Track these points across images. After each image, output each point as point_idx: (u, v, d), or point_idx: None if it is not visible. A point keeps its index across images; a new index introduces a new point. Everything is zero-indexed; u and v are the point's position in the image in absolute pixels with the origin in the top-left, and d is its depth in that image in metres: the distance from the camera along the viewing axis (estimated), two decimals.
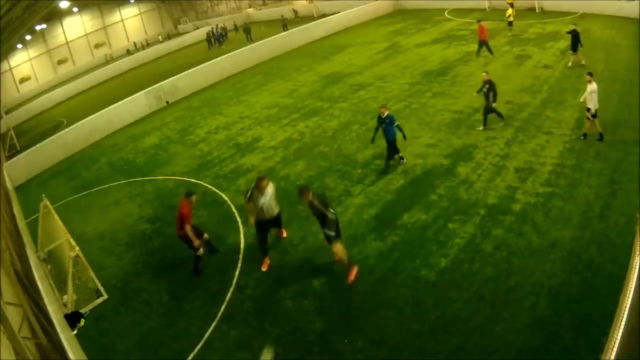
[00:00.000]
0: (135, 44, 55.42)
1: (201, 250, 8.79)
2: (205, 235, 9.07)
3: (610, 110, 11.85)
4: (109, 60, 52.57)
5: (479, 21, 18.92)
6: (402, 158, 11.37)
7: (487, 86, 11.96)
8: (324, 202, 7.56)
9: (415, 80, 17.59)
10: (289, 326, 7.20)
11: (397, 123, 10.68)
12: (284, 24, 35.77)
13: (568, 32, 15.56)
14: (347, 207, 10.07)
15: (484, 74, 12.19)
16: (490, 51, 18.57)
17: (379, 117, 10.75)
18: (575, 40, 15.17)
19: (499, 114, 12.35)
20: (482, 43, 18.58)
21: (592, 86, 10.22)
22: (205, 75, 24.97)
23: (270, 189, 8.14)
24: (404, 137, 10.94)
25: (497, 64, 17.37)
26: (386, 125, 10.63)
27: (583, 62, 15.31)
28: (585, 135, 10.73)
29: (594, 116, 10.35)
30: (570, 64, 15.61)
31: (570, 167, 9.76)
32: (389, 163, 11.28)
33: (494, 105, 12.07)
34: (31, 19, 30.32)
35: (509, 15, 21.27)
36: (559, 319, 6.20)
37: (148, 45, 52.79)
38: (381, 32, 28.07)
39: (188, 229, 8.46)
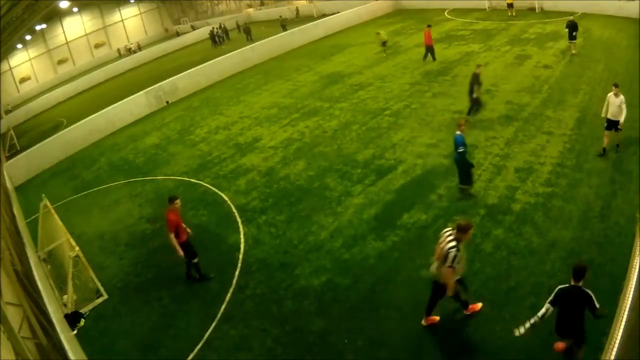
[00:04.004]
0: (119, 50, 54.12)
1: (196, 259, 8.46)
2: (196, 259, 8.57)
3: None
4: (122, 54, 52.22)
5: (428, 26, 19.35)
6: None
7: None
8: None
9: (415, 80, 17.59)
10: (289, 326, 7.20)
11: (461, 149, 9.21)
12: (283, 24, 35.75)
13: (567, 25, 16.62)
14: (347, 207, 10.07)
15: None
16: (434, 57, 19.18)
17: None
18: (572, 30, 16.23)
19: None
20: (428, 48, 19.15)
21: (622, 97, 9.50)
22: (205, 75, 24.96)
23: None
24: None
25: (497, 64, 17.37)
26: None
27: (573, 51, 16.59)
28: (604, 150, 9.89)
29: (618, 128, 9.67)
30: (574, 51, 16.53)
31: (570, 167, 9.75)
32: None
33: None
34: (31, 19, 30.27)
35: (381, 36, 22.56)
36: None
37: (132, 52, 51.20)
38: (381, 32, 28.00)
39: (172, 237, 8.03)
